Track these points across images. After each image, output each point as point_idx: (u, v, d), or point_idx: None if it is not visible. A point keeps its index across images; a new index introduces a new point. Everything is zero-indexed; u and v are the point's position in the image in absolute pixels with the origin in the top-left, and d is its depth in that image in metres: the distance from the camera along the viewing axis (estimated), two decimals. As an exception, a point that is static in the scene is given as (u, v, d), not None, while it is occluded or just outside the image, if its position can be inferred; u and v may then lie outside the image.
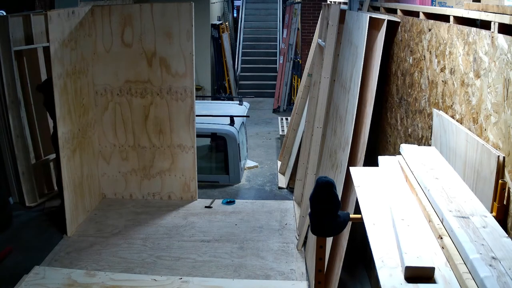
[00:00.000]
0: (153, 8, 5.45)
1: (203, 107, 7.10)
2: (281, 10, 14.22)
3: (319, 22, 5.76)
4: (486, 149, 1.98)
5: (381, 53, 3.47)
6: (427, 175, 1.99)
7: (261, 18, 14.50)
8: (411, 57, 3.20)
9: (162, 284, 3.68)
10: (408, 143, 3.03)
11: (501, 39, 1.94)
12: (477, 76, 2.17)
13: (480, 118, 2.14)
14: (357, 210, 2.15)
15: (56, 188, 6.12)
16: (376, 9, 4.36)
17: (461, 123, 2.34)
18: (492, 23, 2.07)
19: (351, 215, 2.32)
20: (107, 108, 5.75)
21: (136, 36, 5.52)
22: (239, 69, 12.63)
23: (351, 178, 2.42)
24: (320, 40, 5.46)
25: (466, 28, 2.31)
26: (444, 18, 2.69)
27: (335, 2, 7.38)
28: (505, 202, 1.88)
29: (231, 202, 5.80)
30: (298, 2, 10.59)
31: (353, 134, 3.55)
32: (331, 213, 2.21)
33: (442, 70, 2.63)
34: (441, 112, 2.57)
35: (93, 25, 5.50)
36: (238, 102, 7.61)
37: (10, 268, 4.46)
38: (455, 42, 2.44)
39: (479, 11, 2.21)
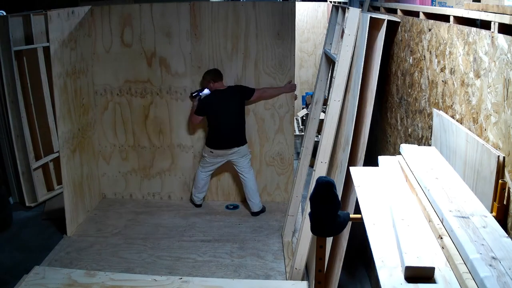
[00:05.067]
0: (153, 8, 5.45)
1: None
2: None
3: (327, 27, 5.01)
4: (486, 149, 1.98)
5: (381, 53, 3.47)
6: (427, 175, 1.99)
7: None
8: (411, 57, 3.21)
9: (162, 284, 3.68)
10: (408, 143, 3.04)
11: (501, 39, 1.94)
12: (477, 76, 2.17)
13: (480, 118, 2.14)
14: (357, 210, 2.15)
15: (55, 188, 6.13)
16: (376, 9, 4.36)
17: (461, 123, 2.34)
18: (492, 23, 2.07)
19: (351, 215, 2.32)
20: (107, 108, 5.75)
21: (136, 36, 5.52)
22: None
23: (351, 178, 2.42)
24: (329, 51, 4.60)
25: (466, 28, 2.31)
26: (444, 18, 2.69)
27: (334, 2, 7.38)
28: (505, 202, 1.88)
29: (235, 207, 5.79)
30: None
31: (353, 134, 3.54)
32: (331, 213, 2.21)
33: (442, 70, 2.63)
34: (441, 112, 2.57)
35: (93, 25, 5.50)
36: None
37: (10, 268, 4.46)
38: (455, 42, 2.44)
39: (479, 11, 2.21)
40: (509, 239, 1.55)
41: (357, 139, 3.62)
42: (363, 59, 3.48)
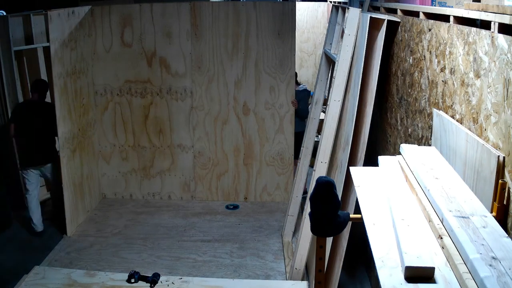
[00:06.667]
0: (153, 8, 5.45)
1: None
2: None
3: (327, 27, 5.04)
4: (486, 149, 1.98)
5: (381, 53, 3.47)
6: (427, 175, 1.99)
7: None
8: (411, 57, 3.21)
9: (162, 284, 3.68)
10: (408, 143, 3.04)
11: (501, 39, 1.94)
12: (477, 76, 2.17)
13: (480, 118, 2.14)
14: (357, 210, 2.15)
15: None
16: (376, 9, 4.36)
17: (461, 123, 2.34)
18: (492, 23, 2.07)
19: (351, 215, 2.32)
20: (107, 108, 5.75)
21: (136, 36, 5.52)
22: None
23: (351, 178, 2.42)
24: (329, 51, 4.64)
25: (466, 28, 2.31)
26: (444, 18, 2.69)
27: (334, 2, 7.38)
28: (505, 202, 1.88)
29: (235, 207, 5.78)
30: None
31: (353, 134, 3.55)
32: (331, 213, 2.21)
33: (442, 70, 2.63)
34: (441, 112, 2.57)
35: (93, 25, 5.50)
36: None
37: (10, 268, 4.46)
38: (455, 42, 2.44)
39: (479, 11, 2.21)
40: (509, 239, 1.54)
41: (357, 139, 3.62)
42: (363, 59, 3.49)
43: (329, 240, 3.62)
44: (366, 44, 3.50)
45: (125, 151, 5.87)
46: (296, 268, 4.03)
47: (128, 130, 5.81)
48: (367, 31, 3.47)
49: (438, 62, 2.69)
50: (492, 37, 2.02)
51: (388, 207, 1.93)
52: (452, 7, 2.63)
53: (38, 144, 5.04)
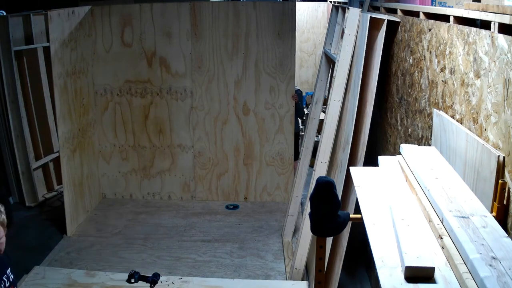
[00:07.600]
0: (153, 8, 5.45)
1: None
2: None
3: (327, 27, 5.05)
4: (486, 149, 1.98)
5: (381, 53, 3.47)
6: (427, 175, 1.99)
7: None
8: (411, 57, 3.21)
9: (162, 284, 3.69)
10: (408, 143, 3.04)
11: (501, 39, 1.94)
12: (477, 76, 2.17)
13: (480, 118, 2.14)
14: (357, 210, 2.15)
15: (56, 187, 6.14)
16: (376, 9, 4.36)
17: (461, 123, 2.34)
18: (492, 23, 2.07)
19: (351, 215, 2.32)
20: (107, 108, 5.75)
21: (136, 36, 5.52)
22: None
23: (351, 178, 2.42)
24: (329, 51, 4.67)
25: (466, 28, 2.31)
26: (444, 18, 2.69)
27: (334, 2, 7.38)
28: (505, 202, 1.88)
29: (235, 207, 5.78)
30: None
31: (353, 134, 3.55)
32: (331, 213, 2.21)
33: (442, 70, 2.63)
34: (441, 112, 2.57)
35: (93, 25, 5.50)
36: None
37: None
38: (455, 42, 2.44)
39: (479, 11, 2.21)
40: (509, 239, 1.54)
41: (357, 139, 3.62)
42: (363, 59, 3.48)
43: (329, 240, 3.62)
44: (366, 44, 3.50)
45: (125, 151, 5.88)
46: (296, 268, 4.03)
47: (128, 130, 5.81)
48: (367, 31, 3.47)
49: (438, 62, 2.69)
50: (492, 37, 2.02)
51: (388, 207, 1.93)
52: (452, 7, 2.63)
53: None
